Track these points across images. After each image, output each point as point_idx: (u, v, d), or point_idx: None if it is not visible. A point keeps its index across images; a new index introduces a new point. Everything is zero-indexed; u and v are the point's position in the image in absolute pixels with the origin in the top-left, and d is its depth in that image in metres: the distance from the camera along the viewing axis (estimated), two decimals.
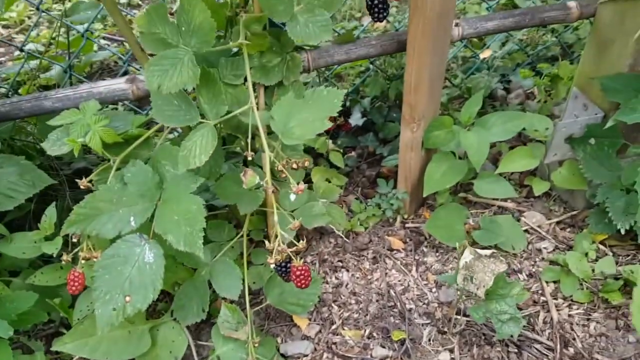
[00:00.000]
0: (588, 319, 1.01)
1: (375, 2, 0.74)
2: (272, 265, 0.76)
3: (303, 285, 0.79)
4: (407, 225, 1.25)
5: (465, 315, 1.03)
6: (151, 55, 0.77)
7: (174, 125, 0.82)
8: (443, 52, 1.01)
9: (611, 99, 1.02)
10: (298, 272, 0.78)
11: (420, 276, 1.13)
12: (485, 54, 1.63)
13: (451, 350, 0.98)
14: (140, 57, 0.87)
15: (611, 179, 1.09)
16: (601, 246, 1.14)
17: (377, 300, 1.09)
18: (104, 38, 2.00)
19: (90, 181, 0.83)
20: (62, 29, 1.40)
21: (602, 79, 1.03)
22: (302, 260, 0.78)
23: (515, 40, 1.65)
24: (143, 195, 0.80)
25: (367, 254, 1.19)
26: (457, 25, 1.05)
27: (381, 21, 0.77)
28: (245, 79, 0.81)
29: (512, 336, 0.90)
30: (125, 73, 1.39)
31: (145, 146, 0.89)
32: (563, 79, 1.49)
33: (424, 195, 1.16)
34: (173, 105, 0.80)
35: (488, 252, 0.86)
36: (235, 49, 0.88)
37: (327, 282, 1.13)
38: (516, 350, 0.97)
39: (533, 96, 1.60)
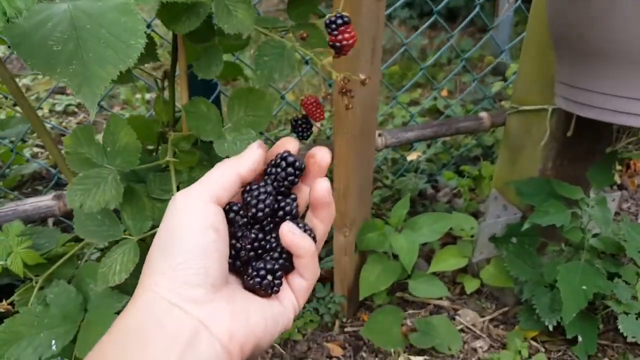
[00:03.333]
0: None
1: (299, 122, 0.78)
2: None
3: None
4: (346, 329, 1.24)
5: None
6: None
7: (96, 242, 0.80)
8: (369, 162, 1.06)
9: (526, 202, 1.09)
10: None
11: None
12: (412, 156, 1.72)
13: None
14: (68, 175, 0.87)
15: (535, 276, 1.14)
16: (533, 342, 1.16)
17: None
18: (37, 146, 1.98)
19: (11, 303, 0.79)
20: None
21: (516, 184, 1.11)
22: None
23: (435, 145, 1.76)
24: (66, 317, 0.78)
25: None
26: (380, 135, 1.11)
27: (305, 139, 0.81)
28: None
29: None
30: (57, 183, 1.37)
31: (69, 264, 0.86)
32: (485, 178, 1.59)
33: (361, 299, 1.16)
34: (96, 220, 0.79)
35: (421, 359, 0.86)
36: (163, 166, 0.89)
37: None
38: None
39: (460, 194, 1.69)
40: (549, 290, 1.12)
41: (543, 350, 1.15)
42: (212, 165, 0.93)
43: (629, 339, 1.11)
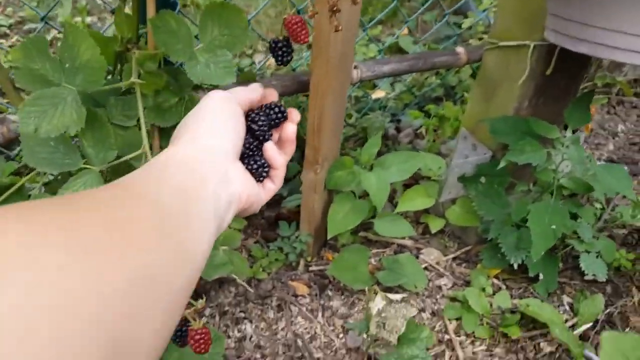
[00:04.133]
0: (491, 355, 1.03)
1: (279, 45, 0.71)
2: None
3: (203, 351, 0.70)
4: (310, 268, 1.22)
5: None
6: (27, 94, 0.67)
7: (50, 171, 0.71)
8: (344, 93, 1.01)
9: (500, 140, 1.07)
10: (198, 337, 0.70)
11: (327, 322, 1.10)
12: (377, 94, 1.67)
13: None
14: (13, 97, 0.76)
15: (502, 215, 1.14)
16: (495, 280, 1.18)
17: (284, 352, 1.03)
18: None
19: None
20: None
21: (491, 122, 1.09)
22: (202, 319, 0.71)
23: (404, 82, 1.72)
24: None
25: (271, 301, 1.13)
26: (356, 67, 1.05)
27: (285, 65, 0.74)
28: (139, 121, 0.73)
29: None
30: None
31: (17, 197, 0.77)
32: (449, 119, 1.57)
33: (329, 238, 1.13)
34: (49, 147, 0.70)
35: (399, 296, 0.85)
36: (125, 88, 0.79)
37: (229, 337, 1.05)
38: None
39: (421, 135, 1.67)
40: (515, 229, 1.13)
41: (505, 287, 1.17)
42: (180, 92, 0.84)
43: (588, 277, 1.15)
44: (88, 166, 0.70)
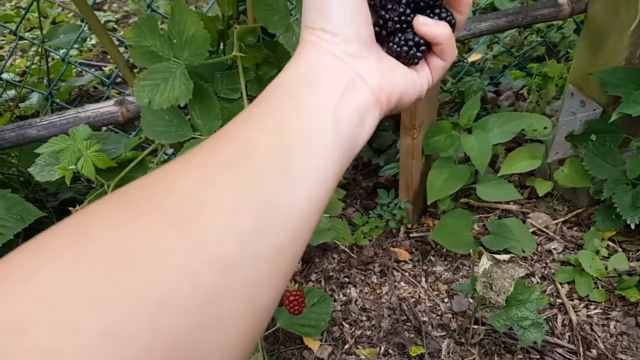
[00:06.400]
0: (607, 319, 0.98)
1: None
2: None
3: (297, 312, 0.74)
4: (411, 235, 1.22)
5: (481, 324, 0.99)
6: (140, 71, 0.73)
7: (165, 142, 0.77)
8: None
9: (611, 93, 1.01)
10: (292, 298, 0.73)
11: (431, 287, 1.10)
12: (473, 58, 1.62)
13: None
14: (128, 76, 0.83)
15: (615, 174, 1.07)
16: (610, 243, 1.12)
17: (389, 315, 1.04)
18: (80, 64, 1.95)
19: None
20: (37, 57, 1.36)
21: (600, 74, 1.02)
22: (297, 284, 0.74)
23: (501, 42, 1.64)
24: None
25: (374, 267, 1.15)
26: None
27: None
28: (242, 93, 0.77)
29: (535, 343, 0.86)
30: (107, 99, 1.35)
31: (140, 169, 0.85)
32: (552, 79, 1.48)
33: (428, 203, 1.13)
34: (164, 120, 0.76)
35: (506, 257, 0.83)
36: (228, 63, 0.84)
37: (334, 300, 1.08)
38: (538, 357, 0.94)
39: (523, 97, 1.59)
40: (631, 187, 1.06)
41: (621, 250, 1.10)
42: (279, 63, 0.87)
43: None
44: (197, 136, 0.75)
